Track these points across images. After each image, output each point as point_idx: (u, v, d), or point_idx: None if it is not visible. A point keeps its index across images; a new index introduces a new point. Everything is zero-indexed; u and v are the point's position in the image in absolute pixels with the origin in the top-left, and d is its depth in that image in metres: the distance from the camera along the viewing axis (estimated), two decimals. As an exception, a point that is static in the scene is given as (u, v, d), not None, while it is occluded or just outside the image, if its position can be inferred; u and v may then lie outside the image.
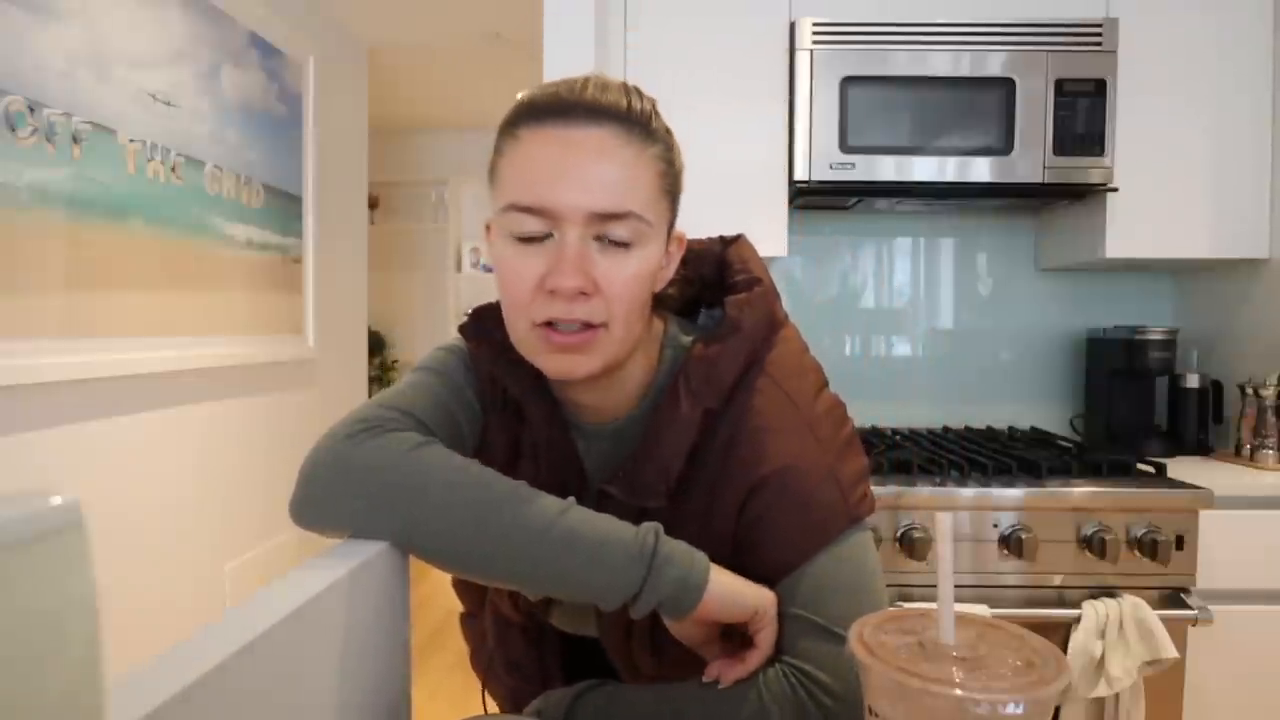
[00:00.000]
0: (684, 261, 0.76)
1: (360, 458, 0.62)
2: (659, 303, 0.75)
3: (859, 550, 0.68)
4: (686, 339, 0.73)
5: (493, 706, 0.87)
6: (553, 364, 0.65)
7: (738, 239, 0.78)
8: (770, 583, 0.66)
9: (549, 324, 0.64)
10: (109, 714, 0.27)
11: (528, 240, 0.63)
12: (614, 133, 0.63)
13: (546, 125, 0.63)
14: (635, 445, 0.69)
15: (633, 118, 0.64)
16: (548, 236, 0.63)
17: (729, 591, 0.62)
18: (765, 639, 0.63)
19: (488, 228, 0.69)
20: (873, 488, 0.73)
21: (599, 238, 0.63)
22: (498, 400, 0.75)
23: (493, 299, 0.72)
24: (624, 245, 0.63)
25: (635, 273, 0.64)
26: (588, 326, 0.63)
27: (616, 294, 0.63)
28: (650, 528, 0.62)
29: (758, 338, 0.71)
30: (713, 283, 0.77)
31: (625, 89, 0.66)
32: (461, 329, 0.76)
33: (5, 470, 1.60)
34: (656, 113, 0.67)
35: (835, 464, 0.68)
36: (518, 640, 0.82)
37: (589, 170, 0.62)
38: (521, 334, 0.66)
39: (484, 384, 0.75)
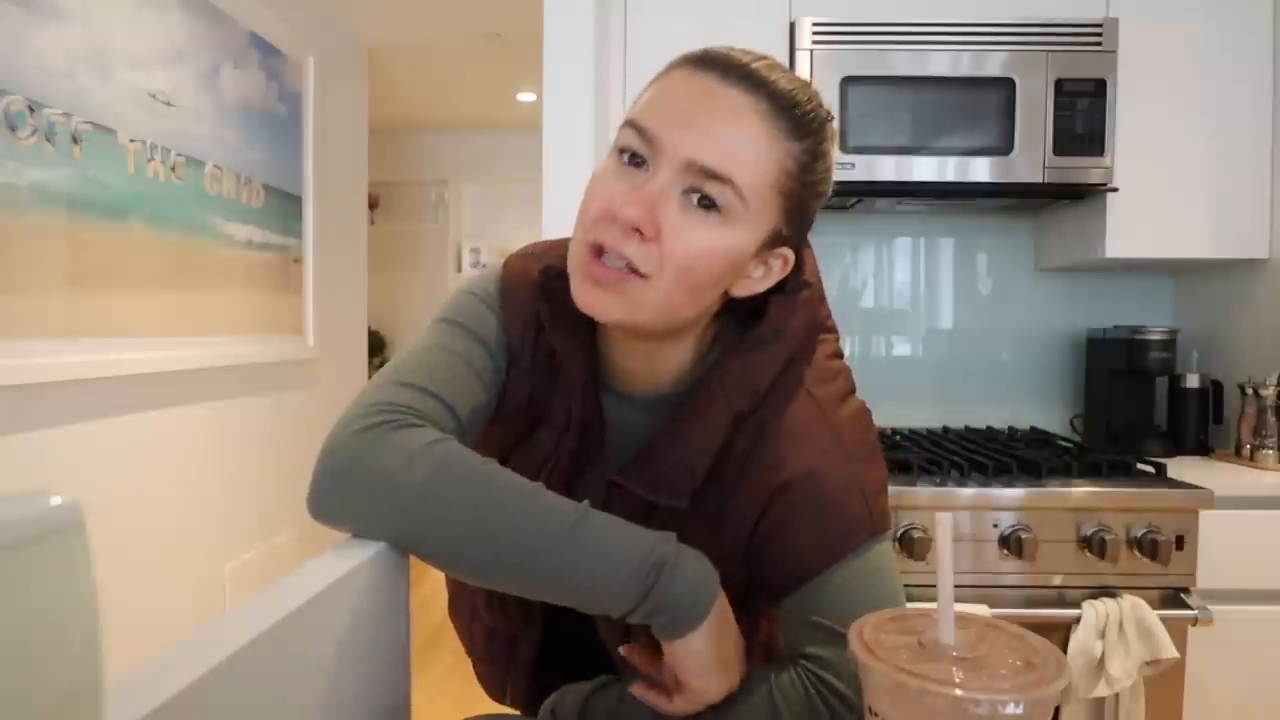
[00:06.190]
0: None
1: (374, 459, 0.60)
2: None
3: (882, 561, 0.66)
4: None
5: (489, 706, 0.87)
6: (582, 293, 0.63)
7: None
8: (788, 589, 0.65)
9: (598, 251, 0.61)
10: (109, 714, 0.27)
11: (626, 163, 0.62)
12: (757, 104, 0.60)
13: (699, 73, 0.61)
14: (659, 428, 0.67)
15: (783, 100, 0.61)
16: (644, 165, 0.61)
17: (703, 653, 0.60)
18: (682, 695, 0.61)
19: None
20: None
21: (689, 192, 0.60)
22: (526, 353, 0.71)
23: None
24: (709, 211, 0.60)
25: (709, 246, 0.60)
26: (632, 271, 0.60)
27: (675, 252, 0.59)
28: (661, 557, 0.59)
29: (798, 344, 0.68)
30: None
31: (798, 80, 0.63)
32: (508, 260, 0.74)
33: (5, 470, 1.60)
34: (820, 119, 0.63)
35: (860, 472, 0.66)
36: None
37: (712, 123, 0.60)
38: (573, 248, 0.64)
39: (516, 334, 0.71)
